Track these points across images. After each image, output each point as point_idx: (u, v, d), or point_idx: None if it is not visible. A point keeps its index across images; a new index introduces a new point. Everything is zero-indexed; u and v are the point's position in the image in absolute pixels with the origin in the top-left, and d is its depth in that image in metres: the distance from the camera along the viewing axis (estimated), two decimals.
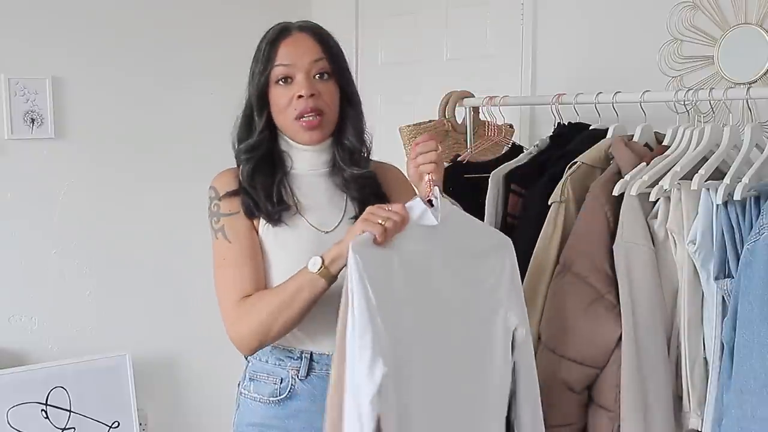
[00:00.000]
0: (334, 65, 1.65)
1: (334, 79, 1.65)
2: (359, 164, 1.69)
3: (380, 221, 1.41)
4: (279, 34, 1.65)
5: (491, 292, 1.59)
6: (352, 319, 1.37)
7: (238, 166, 1.67)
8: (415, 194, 1.57)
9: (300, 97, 1.61)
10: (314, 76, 1.63)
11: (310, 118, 1.62)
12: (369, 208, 1.46)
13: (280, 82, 1.63)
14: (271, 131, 1.67)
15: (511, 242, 1.64)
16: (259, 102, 1.65)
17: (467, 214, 1.57)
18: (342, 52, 1.69)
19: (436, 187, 1.52)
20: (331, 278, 1.51)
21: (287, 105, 1.62)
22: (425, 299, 1.50)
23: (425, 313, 1.49)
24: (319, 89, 1.62)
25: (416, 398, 1.47)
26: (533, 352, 1.66)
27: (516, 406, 1.63)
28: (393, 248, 1.45)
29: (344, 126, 1.69)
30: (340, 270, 1.49)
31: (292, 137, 1.66)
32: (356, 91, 1.72)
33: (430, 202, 1.51)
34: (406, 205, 1.49)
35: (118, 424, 2.78)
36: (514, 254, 1.63)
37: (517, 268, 1.63)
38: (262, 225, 1.64)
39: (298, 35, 1.64)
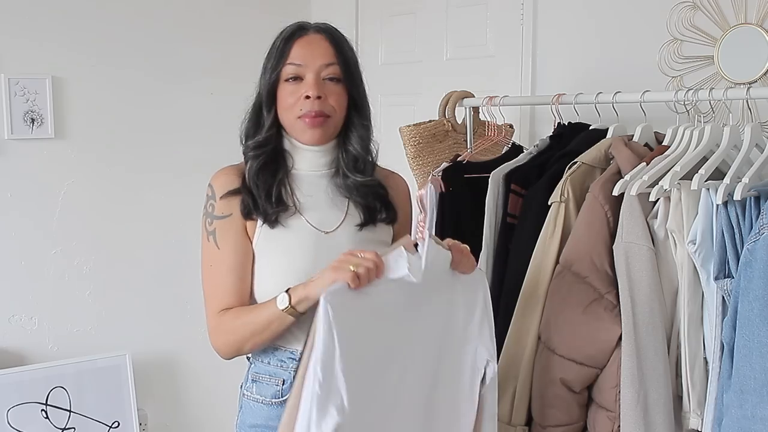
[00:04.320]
0: (345, 71, 1.65)
1: (344, 85, 1.65)
2: (363, 171, 1.69)
3: (352, 267, 1.39)
4: (295, 32, 1.64)
5: (462, 328, 1.58)
6: (313, 368, 1.36)
7: (246, 162, 1.67)
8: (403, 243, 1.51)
9: (307, 97, 1.61)
10: (324, 79, 1.62)
11: (314, 117, 1.62)
12: (342, 255, 1.43)
13: (290, 80, 1.62)
14: (278, 129, 1.68)
15: (484, 274, 1.64)
16: (269, 98, 1.65)
17: (447, 251, 1.53)
18: (356, 58, 1.69)
19: (427, 231, 1.50)
20: (299, 315, 1.53)
21: (294, 103, 1.62)
22: (395, 345, 1.48)
23: (394, 358, 1.48)
24: (327, 92, 1.62)
25: None
26: (497, 387, 1.65)
27: None
28: (367, 297, 1.42)
29: (349, 132, 1.68)
30: (308, 309, 1.50)
31: (294, 135, 1.66)
32: (366, 99, 1.71)
33: (416, 246, 1.47)
34: (388, 257, 1.45)
35: (118, 424, 2.79)
36: (487, 286, 1.63)
37: (490, 301, 1.62)
38: (259, 226, 1.64)
39: (314, 36, 1.64)
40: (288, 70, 1.62)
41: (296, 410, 1.39)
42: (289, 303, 1.51)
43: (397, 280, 1.45)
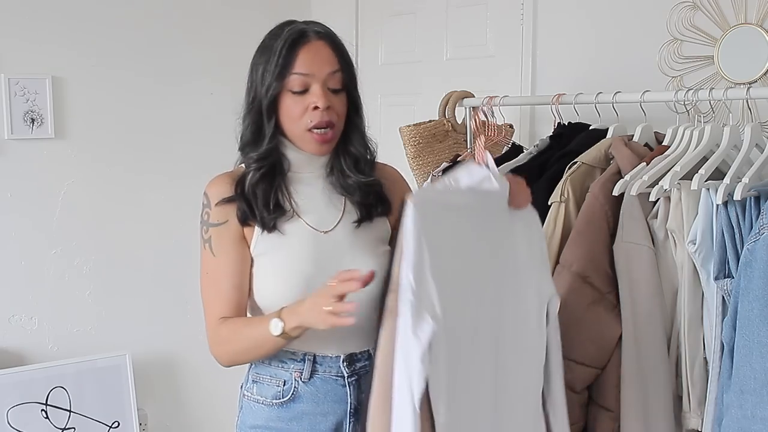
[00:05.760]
0: (348, 77, 1.63)
1: (346, 92, 1.64)
2: (364, 171, 1.68)
3: (326, 308, 1.42)
4: (297, 39, 1.59)
5: (526, 262, 1.59)
6: (406, 276, 1.38)
7: (247, 171, 1.64)
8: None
9: (315, 108, 1.58)
10: (328, 88, 1.60)
11: (323, 131, 1.60)
12: (326, 288, 1.45)
13: (295, 91, 1.59)
14: (279, 138, 1.65)
15: (536, 213, 1.64)
16: (270, 107, 1.61)
17: (505, 180, 1.57)
18: (351, 60, 1.67)
19: (488, 154, 1.54)
20: (292, 339, 1.55)
21: (300, 115, 1.59)
22: (472, 263, 1.50)
23: (472, 277, 1.50)
24: (333, 102, 1.60)
25: (463, 364, 1.46)
26: (558, 330, 1.65)
27: (548, 387, 1.62)
28: (449, 207, 1.46)
29: (350, 134, 1.67)
30: (300, 335, 1.53)
31: (300, 146, 1.64)
32: (360, 99, 1.70)
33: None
34: (458, 171, 1.50)
35: (118, 424, 2.78)
36: (540, 225, 1.64)
37: (544, 240, 1.64)
38: (257, 232, 1.63)
39: (317, 43, 1.60)
40: (294, 81, 1.58)
41: (394, 323, 1.41)
42: (283, 330, 1.52)
43: (475, 194, 1.49)
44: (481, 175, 1.50)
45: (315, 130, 1.60)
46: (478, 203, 1.51)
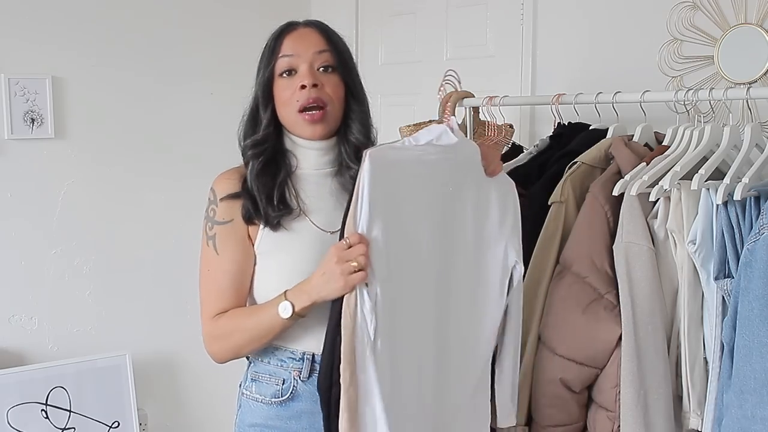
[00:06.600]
0: (338, 59, 1.64)
1: (338, 73, 1.64)
2: None
3: (355, 264, 1.42)
4: (285, 28, 1.65)
5: (496, 226, 1.61)
6: (360, 227, 1.44)
7: (246, 163, 1.66)
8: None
9: (303, 87, 1.59)
10: (318, 69, 1.62)
11: (313, 111, 1.60)
12: (332, 254, 1.45)
13: (284, 75, 1.62)
14: (276, 128, 1.66)
15: (513, 183, 1.67)
16: (265, 96, 1.64)
17: (477, 146, 1.60)
18: (348, 48, 1.68)
19: (453, 118, 1.57)
20: (298, 319, 1.56)
21: (290, 97, 1.61)
22: (432, 218, 1.52)
23: (428, 232, 1.52)
24: (323, 81, 1.61)
25: (405, 321, 1.49)
26: (522, 295, 1.69)
27: (501, 348, 1.67)
28: (407, 163, 1.49)
29: (349, 122, 1.67)
30: (307, 314, 1.54)
31: (295, 131, 1.64)
32: (362, 86, 1.70)
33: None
34: (420, 131, 1.54)
35: (118, 424, 2.78)
36: (516, 195, 1.66)
37: (519, 209, 1.66)
38: (261, 229, 1.62)
39: (304, 29, 1.65)
40: (281, 64, 1.62)
41: None
42: (293, 312, 1.52)
43: (436, 150, 1.52)
44: (439, 130, 1.53)
45: (305, 111, 1.61)
46: (438, 158, 1.54)
